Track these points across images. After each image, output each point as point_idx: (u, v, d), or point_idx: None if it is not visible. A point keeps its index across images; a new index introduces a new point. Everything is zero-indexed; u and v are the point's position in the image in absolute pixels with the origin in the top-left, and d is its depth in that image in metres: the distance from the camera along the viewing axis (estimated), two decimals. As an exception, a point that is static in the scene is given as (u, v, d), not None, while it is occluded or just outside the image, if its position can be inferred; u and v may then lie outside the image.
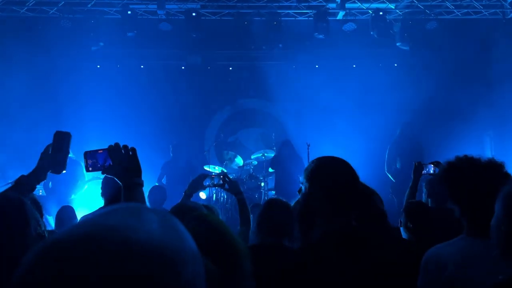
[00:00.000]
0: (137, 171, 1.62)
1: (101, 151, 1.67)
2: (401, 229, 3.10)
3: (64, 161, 1.85)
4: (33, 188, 1.84)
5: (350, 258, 1.45)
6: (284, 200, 2.93)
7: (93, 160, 1.70)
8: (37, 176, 1.82)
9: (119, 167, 1.61)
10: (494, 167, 1.70)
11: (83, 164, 7.56)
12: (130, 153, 1.64)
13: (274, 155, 8.03)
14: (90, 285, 0.47)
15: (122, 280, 0.48)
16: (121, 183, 1.60)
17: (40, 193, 7.44)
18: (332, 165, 1.65)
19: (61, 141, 1.83)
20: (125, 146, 1.65)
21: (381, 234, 1.60)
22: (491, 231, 1.21)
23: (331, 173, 1.63)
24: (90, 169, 1.71)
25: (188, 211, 2.20)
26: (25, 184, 1.79)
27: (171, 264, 0.52)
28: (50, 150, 1.83)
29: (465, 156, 1.76)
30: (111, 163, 1.64)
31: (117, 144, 1.65)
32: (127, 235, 0.51)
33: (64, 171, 1.88)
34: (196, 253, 0.57)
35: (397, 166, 7.13)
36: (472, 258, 1.62)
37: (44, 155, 1.83)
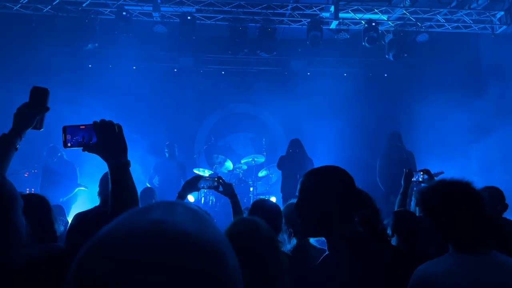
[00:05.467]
0: (125, 150, 1.50)
1: (83, 127, 1.53)
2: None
3: (42, 118, 1.74)
4: (16, 148, 1.71)
5: (360, 258, 1.51)
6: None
7: (73, 136, 1.54)
8: (17, 132, 1.69)
9: (107, 145, 1.48)
10: (467, 186, 1.78)
11: (77, 168, 7.29)
12: (117, 130, 1.51)
13: (281, 155, 7.47)
14: (143, 284, 0.47)
15: (174, 273, 0.49)
16: (108, 163, 1.48)
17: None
18: (332, 174, 1.69)
19: (39, 97, 1.72)
20: (111, 122, 1.51)
21: (379, 240, 1.66)
22: None
23: (331, 183, 1.65)
24: (69, 145, 1.55)
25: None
26: (9, 141, 1.67)
27: (215, 255, 0.53)
28: (27, 106, 1.71)
29: (439, 182, 1.85)
30: (97, 141, 1.50)
31: (103, 120, 1.51)
32: (174, 228, 0.52)
33: (42, 129, 1.76)
34: (229, 245, 0.58)
35: (387, 176, 7.20)
36: (460, 274, 1.66)
37: (20, 112, 1.70)
